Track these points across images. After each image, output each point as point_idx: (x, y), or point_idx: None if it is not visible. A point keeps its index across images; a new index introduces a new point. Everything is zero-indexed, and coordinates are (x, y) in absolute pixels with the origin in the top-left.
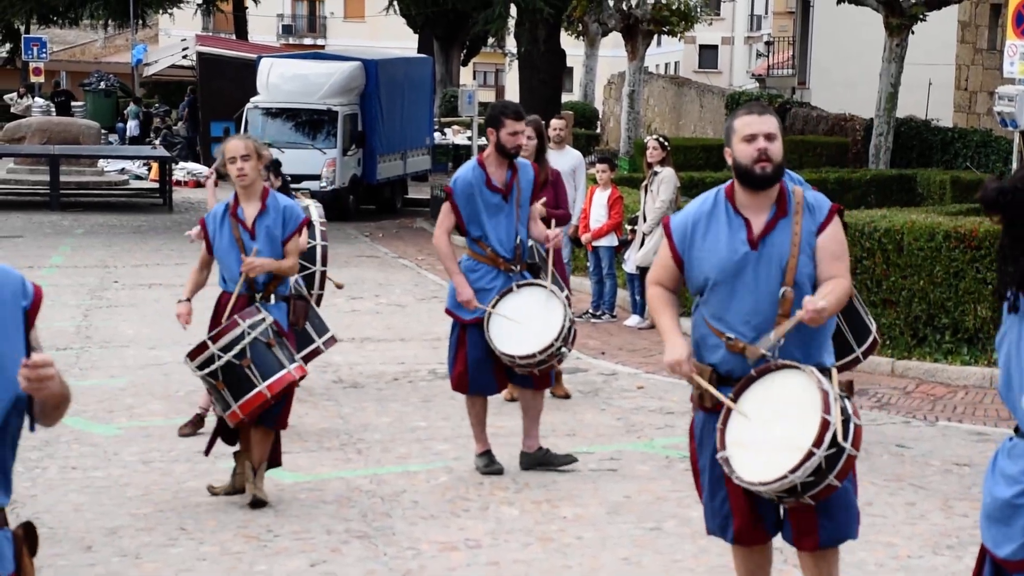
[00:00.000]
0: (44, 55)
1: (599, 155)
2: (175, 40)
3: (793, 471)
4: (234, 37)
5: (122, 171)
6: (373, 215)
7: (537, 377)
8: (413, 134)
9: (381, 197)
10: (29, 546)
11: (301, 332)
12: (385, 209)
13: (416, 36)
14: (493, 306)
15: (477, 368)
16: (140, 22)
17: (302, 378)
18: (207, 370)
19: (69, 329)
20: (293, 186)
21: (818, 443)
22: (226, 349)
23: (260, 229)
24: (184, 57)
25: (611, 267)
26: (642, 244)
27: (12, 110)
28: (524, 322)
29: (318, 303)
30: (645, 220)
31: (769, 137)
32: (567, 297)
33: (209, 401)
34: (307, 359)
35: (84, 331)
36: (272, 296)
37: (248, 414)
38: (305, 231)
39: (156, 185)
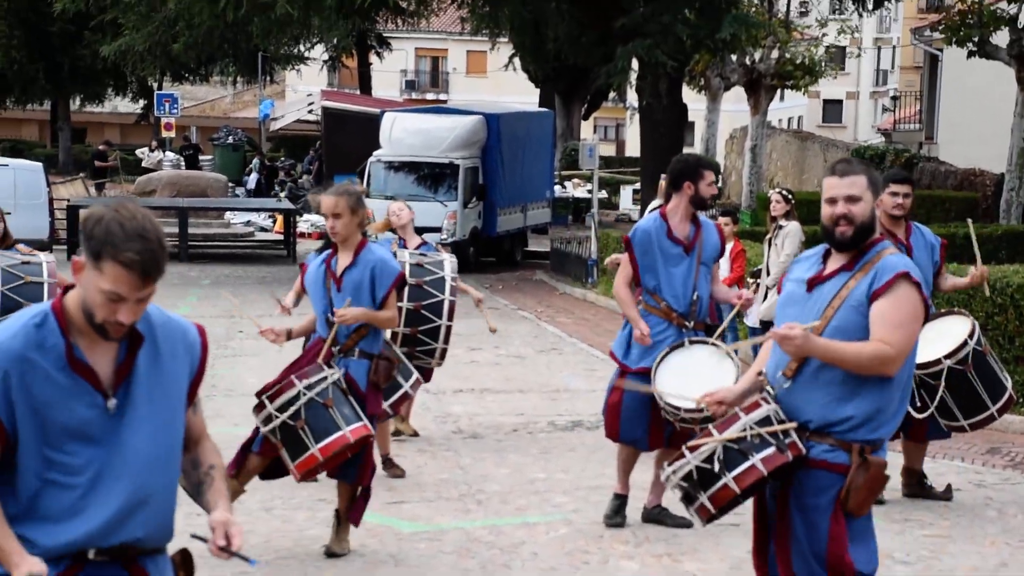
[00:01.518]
0: (176, 111)
1: (721, 209)
2: (301, 95)
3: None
4: (358, 92)
5: (248, 223)
6: (493, 267)
7: (677, 433)
8: (533, 187)
9: (501, 249)
10: (186, 572)
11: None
12: (505, 261)
13: (537, 91)
14: (662, 359)
15: (631, 418)
16: (268, 78)
17: (365, 438)
18: (268, 427)
19: None
20: (427, 235)
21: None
22: (282, 409)
23: (347, 281)
24: (310, 112)
25: (732, 320)
26: (765, 297)
27: (144, 164)
28: (692, 377)
29: (442, 357)
30: (768, 273)
31: (850, 200)
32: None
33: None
34: (396, 406)
35: (209, 379)
36: (355, 351)
37: (304, 474)
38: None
39: (280, 237)
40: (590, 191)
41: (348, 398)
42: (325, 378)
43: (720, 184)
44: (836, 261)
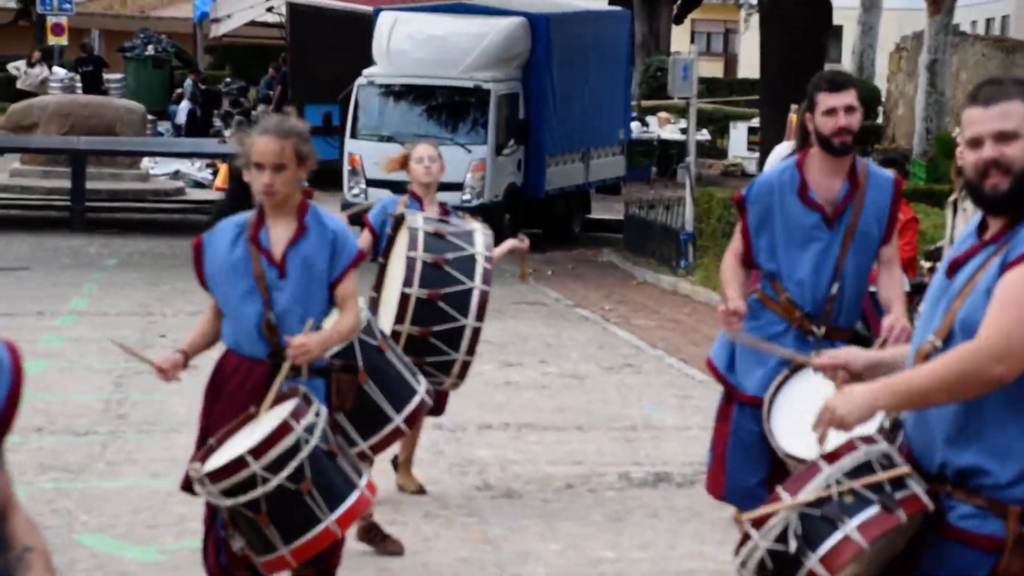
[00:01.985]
0: (69, 5)
1: (882, 157)
2: None
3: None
4: None
5: (176, 175)
6: (539, 243)
7: None
8: (600, 125)
9: (551, 217)
10: None
11: (367, 406)
12: (557, 235)
13: None
14: (779, 385)
15: (740, 465)
16: None
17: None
18: (244, 498)
19: (95, 405)
20: (444, 198)
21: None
22: (276, 467)
23: (293, 262)
24: (269, 10)
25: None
26: None
27: (19, 84)
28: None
29: (463, 373)
30: None
31: (1002, 138)
32: None
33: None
34: (378, 448)
35: (116, 407)
36: (303, 368)
37: (303, 562)
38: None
39: (222, 195)
40: (684, 130)
41: (339, 438)
42: (319, 413)
43: (879, 119)
44: (989, 231)
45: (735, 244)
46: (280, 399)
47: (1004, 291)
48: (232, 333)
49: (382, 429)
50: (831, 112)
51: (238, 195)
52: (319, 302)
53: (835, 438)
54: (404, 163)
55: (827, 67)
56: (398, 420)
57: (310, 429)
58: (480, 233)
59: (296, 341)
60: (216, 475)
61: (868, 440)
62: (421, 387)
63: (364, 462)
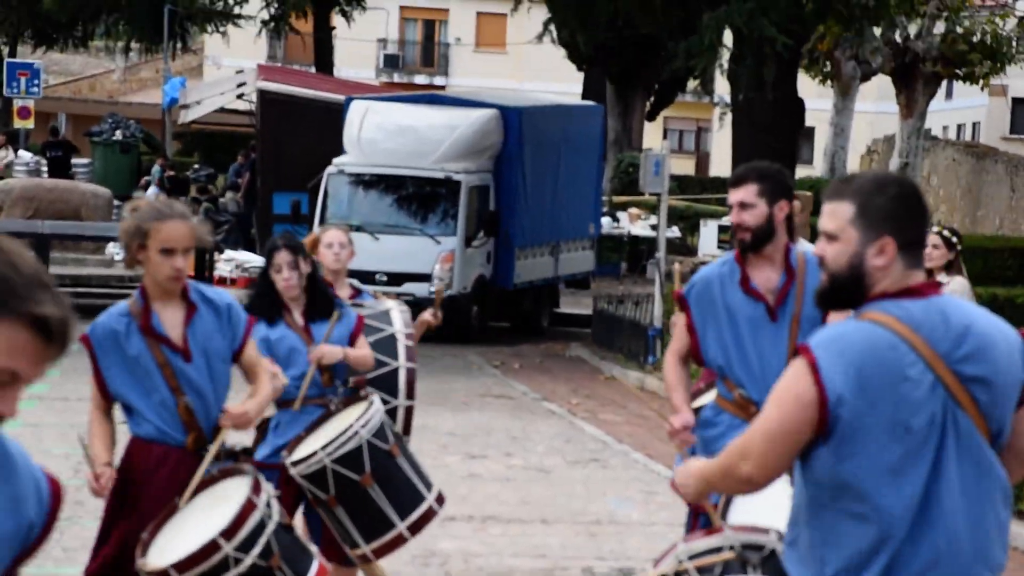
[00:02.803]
0: (35, 89)
1: None
2: (227, 72)
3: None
4: (313, 70)
5: None
6: (507, 336)
7: None
8: (570, 219)
9: (520, 310)
10: None
11: (371, 510)
12: (526, 328)
13: (581, 75)
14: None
15: None
16: (178, 44)
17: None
18: None
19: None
20: (382, 289)
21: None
22: (246, 546)
23: (194, 343)
24: (240, 97)
25: None
26: None
27: None
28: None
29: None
30: None
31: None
32: None
33: None
34: (380, 552)
35: (74, 494)
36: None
37: None
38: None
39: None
40: (655, 227)
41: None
42: (267, 488)
43: None
44: None
45: (676, 343)
46: (206, 483)
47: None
48: (151, 423)
49: (386, 534)
50: (732, 208)
51: (265, 292)
52: (225, 378)
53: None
54: (314, 247)
55: (799, 171)
56: (401, 527)
57: (269, 504)
58: (396, 311)
59: (236, 410)
60: (184, 565)
61: (742, 529)
62: (431, 494)
63: (366, 564)
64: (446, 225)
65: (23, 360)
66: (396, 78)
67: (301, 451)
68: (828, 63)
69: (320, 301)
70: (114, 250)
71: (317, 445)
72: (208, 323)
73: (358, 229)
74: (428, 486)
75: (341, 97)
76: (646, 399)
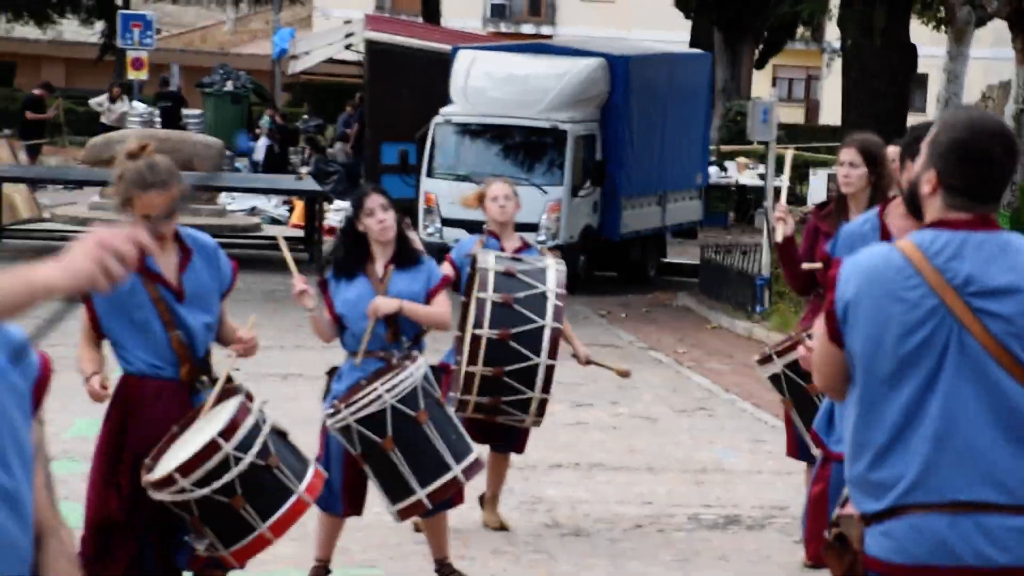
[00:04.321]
0: (149, 40)
1: None
2: (336, 23)
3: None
4: (420, 20)
5: (252, 211)
6: (614, 286)
7: None
8: (678, 169)
9: (626, 260)
10: None
11: (393, 474)
12: (632, 278)
13: (688, 23)
14: None
15: None
16: None
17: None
18: (216, 484)
19: None
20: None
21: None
22: (244, 446)
23: (189, 285)
24: (348, 47)
25: None
26: None
27: (102, 119)
28: None
29: (541, 410)
30: None
31: None
32: None
33: (329, 550)
34: (402, 514)
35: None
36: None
37: (281, 534)
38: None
39: (300, 232)
40: (763, 175)
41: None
42: (261, 402)
43: None
44: None
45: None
46: (200, 411)
47: None
48: (144, 359)
49: (405, 499)
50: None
51: (352, 244)
52: (215, 320)
53: None
54: (480, 200)
55: (910, 116)
56: (421, 494)
57: (262, 410)
58: (553, 270)
59: (246, 336)
60: (187, 467)
61: None
62: (459, 465)
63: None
64: (553, 175)
65: None
66: (503, 28)
67: (339, 406)
68: (942, 8)
69: (405, 251)
70: (226, 200)
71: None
72: (201, 266)
73: (465, 179)
74: (460, 455)
75: (448, 47)
76: (753, 348)
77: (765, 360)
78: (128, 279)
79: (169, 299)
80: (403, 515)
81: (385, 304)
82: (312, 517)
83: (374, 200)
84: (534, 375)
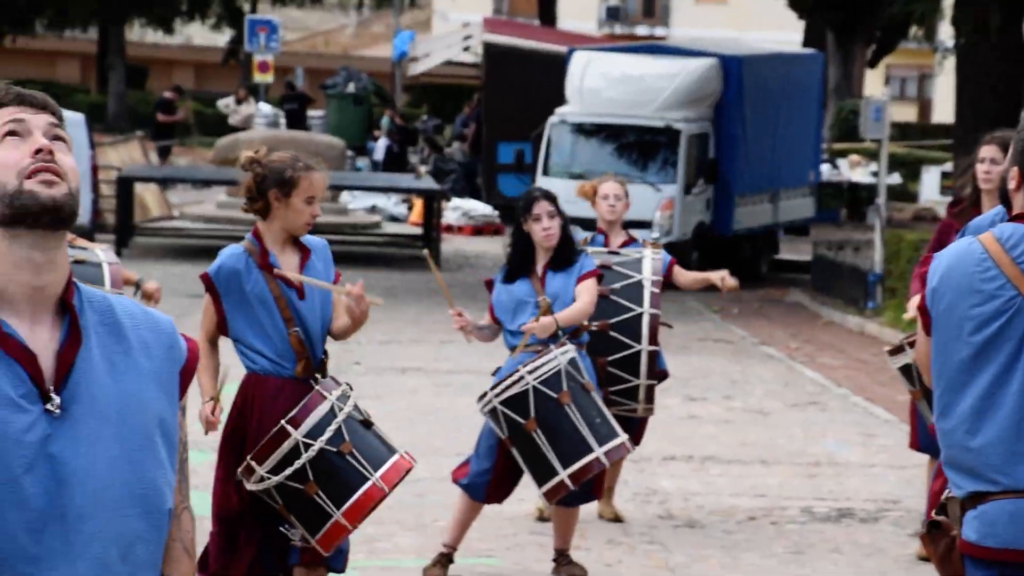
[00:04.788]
0: (274, 44)
1: None
2: (455, 27)
3: None
4: (537, 23)
5: (372, 209)
6: None
7: None
8: (790, 166)
9: (739, 256)
10: None
11: (536, 455)
12: (744, 274)
13: (801, 24)
14: None
15: None
16: (408, 1)
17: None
18: (288, 471)
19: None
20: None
21: None
22: (315, 433)
23: (310, 285)
24: (466, 50)
25: None
26: None
27: (229, 121)
28: None
29: (650, 397)
30: None
31: None
32: None
33: (460, 536)
34: (577, 477)
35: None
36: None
37: (357, 521)
38: None
39: (419, 230)
40: (875, 173)
41: (372, 429)
42: (350, 393)
43: None
44: None
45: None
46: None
47: None
48: (266, 357)
49: (549, 480)
50: None
51: (521, 246)
52: (329, 316)
53: None
54: (591, 195)
55: None
56: (563, 475)
57: (343, 399)
58: (648, 259)
59: (358, 290)
60: (260, 453)
61: None
62: (601, 448)
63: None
64: (666, 173)
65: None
66: (617, 29)
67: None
68: None
69: (566, 252)
70: (347, 199)
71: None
72: (318, 266)
73: (580, 177)
74: (603, 438)
75: (564, 48)
76: (866, 344)
77: (897, 351)
78: (254, 279)
79: (290, 296)
80: (549, 497)
81: (543, 330)
82: (435, 507)
83: (541, 207)
84: (637, 362)
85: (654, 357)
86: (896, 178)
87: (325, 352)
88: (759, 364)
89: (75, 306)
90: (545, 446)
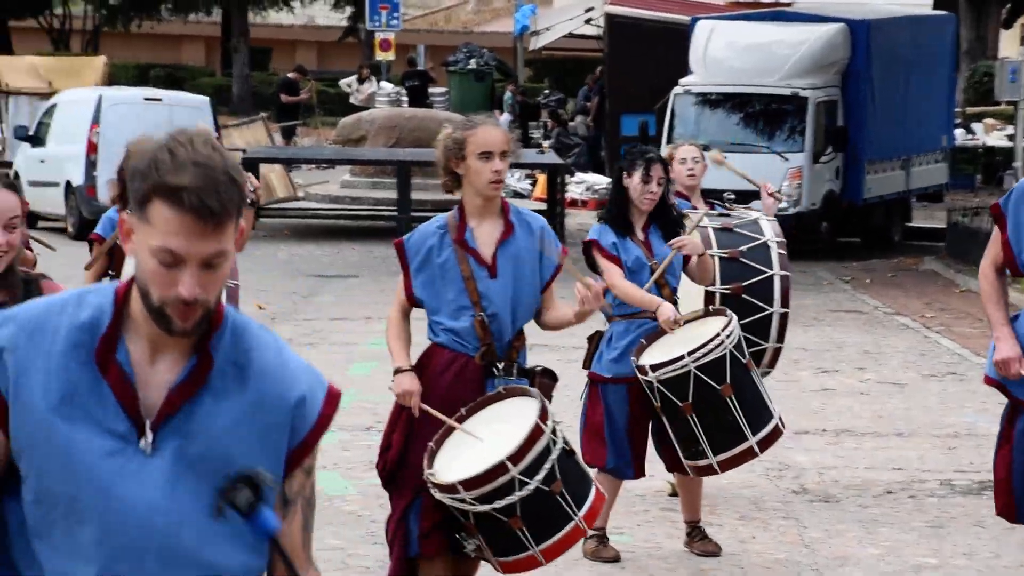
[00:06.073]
0: (396, 23)
1: None
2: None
3: None
4: None
5: None
6: (857, 251)
7: None
8: (922, 132)
9: (870, 225)
10: None
11: (725, 422)
12: (876, 243)
13: None
14: None
15: None
16: None
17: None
18: (500, 503)
19: None
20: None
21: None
22: (531, 471)
23: (503, 261)
24: (588, 22)
25: None
26: None
27: (351, 99)
28: None
29: (774, 361)
30: None
31: None
32: None
33: (607, 516)
34: (727, 464)
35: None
36: (514, 368)
37: (552, 559)
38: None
39: (543, 205)
40: (1011, 137)
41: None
42: (551, 412)
43: None
44: None
45: (993, 254)
46: (491, 399)
47: None
48: (446, 331)
49: (736, 446)
50: None
51: (621, 202)
52: (528, 302)
53: None
54: (669, 163)
55: None
56: (752, 441)
57: (554, 431)
58: (764, 220)
59: (596, 289)
60: (472, 483)
61: None
62: (776, 412)
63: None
64: (793, 141)
65: (176, 239)
66: None
67: (657, 357)
68: None
69: (671, 218)
70: None
71: (681, 351)
72: (521, 244)
73: (706, 148)
74: (772, 404)
75: (687, 18)
76: None
77: None
78: (446, 254)
79: (480, 277)
80: (725, 466)
81: (692, 244)
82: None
83: (658, 170)
84: (768, 326)
85: (785, 319)
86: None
87: (516, 336)
88: (893, 335)
89: (210, 350)
90: (737, 411)
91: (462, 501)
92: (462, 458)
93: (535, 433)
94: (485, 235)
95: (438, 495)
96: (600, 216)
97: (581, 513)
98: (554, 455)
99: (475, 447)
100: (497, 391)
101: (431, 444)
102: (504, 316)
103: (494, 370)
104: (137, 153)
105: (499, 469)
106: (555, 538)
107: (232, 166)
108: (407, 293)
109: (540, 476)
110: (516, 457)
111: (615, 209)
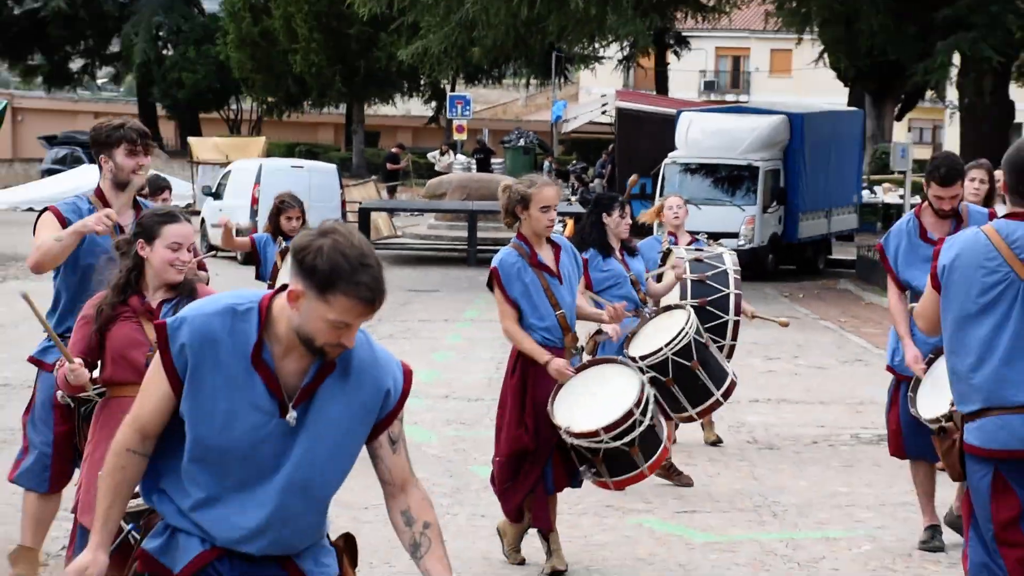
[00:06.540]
0: (468, 113)
1: None
2: (595, 97)
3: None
4: (654, 93)
5: None
6: (793, 275)
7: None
8: (839, 191)
9: (802, 257)
10: (350, 556)
11: (697, 385)
12: (806, 269)
13: (846, 91)
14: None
15: (912, 429)
16: (562, 79)
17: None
18: (626, 438)
19: (481, 381)
20: (728, 243)
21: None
22: (645, 411)
23: (564, 271)
24: (603, 113)
25: None
26: None
27: (436, 167)
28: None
29: (729, 355)
30: None
31: None
32: None
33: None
34: (703, 414)
35: (496, 383)
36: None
37: (654, 471)
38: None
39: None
40: (902, 196)
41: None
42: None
43: None
44: None
45: (889, 279)
46: (582, 368)
47: None
48: (540, 331)
49: (707, 400)
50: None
51: (599, 232)
52: (575, 296)
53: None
54: (659, 214)
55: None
56: (718, 394)
57: (645, 381)
58: (727, 253)
59: (620, 307)
60: (610, 427)
61: None
62: (731, 371)
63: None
64: (749, 197)
65: (352, 317)
66: (712, 96)
67: (643, 349)
68: None
69: (632, 244)
70: None
71: (659, 344)
72: (567, 259)
73: (687, 202)
74: (728, 368)
75: (673, 111)
76: None
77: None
78: (529, 274)
79: (553, 283)
80: (702, 414)
81: (681, 269)
82: None
83: (626, 210)
84: (725, 328)
85: (737, 324)
86: (917, 200)
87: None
88: (818, 333)
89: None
90: (704, 377)
91: (599, 442)
92: (580, 412)
93: (644, 385)
94: (548, 255)
95: (576, 441)
96: (578, 243)
97: (664, 436)
98: (652, 399)
99: (584, 403)
100: (583, 363)
101: (549, 405)
102: (571, 310)
103: (573, 350)
104: (312, 251)
105: (628, 415)
106: (655, 455)
107: (375, 253)
108: (509, 303)
109: (649, 414)
110: (637, 403)
111: (599, 238)
